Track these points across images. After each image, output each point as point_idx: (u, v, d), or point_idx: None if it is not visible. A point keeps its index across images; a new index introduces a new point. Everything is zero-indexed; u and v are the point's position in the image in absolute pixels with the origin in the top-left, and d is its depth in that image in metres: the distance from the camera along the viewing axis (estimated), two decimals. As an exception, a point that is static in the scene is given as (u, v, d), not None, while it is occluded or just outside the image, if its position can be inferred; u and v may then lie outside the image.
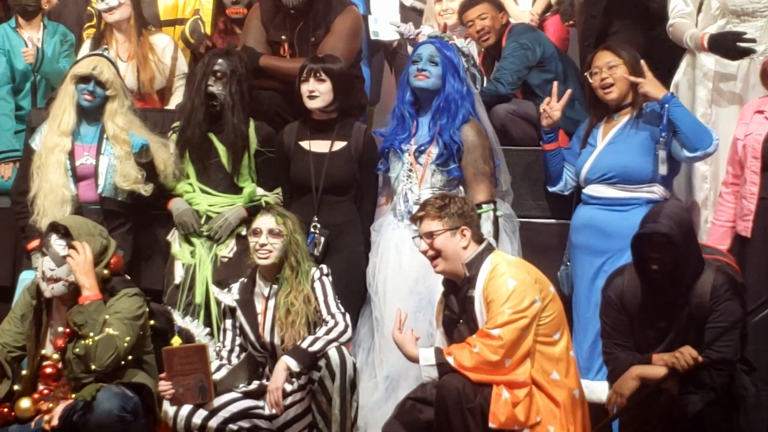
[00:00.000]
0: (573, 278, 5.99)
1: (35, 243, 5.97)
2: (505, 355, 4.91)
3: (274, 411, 5.32)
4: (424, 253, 5.18)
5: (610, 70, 5.85)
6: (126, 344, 5.13)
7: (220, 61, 6.18)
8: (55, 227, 5.31)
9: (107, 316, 5.14)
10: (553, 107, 6.06)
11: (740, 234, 5.65)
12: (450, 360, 4.95)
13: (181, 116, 6.29)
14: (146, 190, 6.12)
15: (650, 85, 5.75)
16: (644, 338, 5.09)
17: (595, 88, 5.92)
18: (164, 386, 5.24)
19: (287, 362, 5.28)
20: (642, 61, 5.82)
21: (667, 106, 5.68)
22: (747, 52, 5.94)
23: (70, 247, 5.26)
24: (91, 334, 5.09)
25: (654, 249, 4.96)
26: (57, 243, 5.27)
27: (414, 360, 5.08)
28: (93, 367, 5.09)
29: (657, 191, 5.79)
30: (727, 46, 5.96)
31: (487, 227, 5.77)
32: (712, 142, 5.67)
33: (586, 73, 5.96)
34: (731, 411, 4.93)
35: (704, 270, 5.01)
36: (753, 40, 5.93)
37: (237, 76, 6.17)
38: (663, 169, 5.76)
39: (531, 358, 4.98)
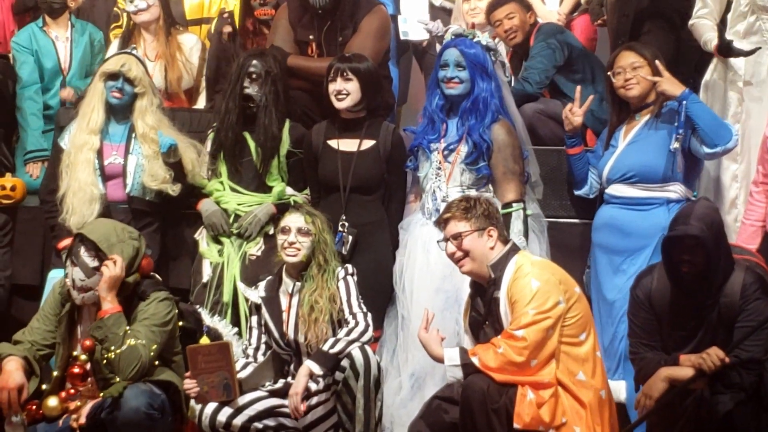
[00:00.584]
0: (593, 277, 5.99)
1: (66, 242, 5.98)
2: (530, 356, 4.93)
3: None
4: (452, 255, 5.20)
5: (634, 70, 5.87)
6: (152, 352, 5.18)
7: (254, 62, 6.23)
8: (83, 239, 5.32)
9: (135, 327, 5.17)
10: (574, 112, 6.09)
11: (770, 233, 5.63)
12: (475, 360, 4.97)
13: (218, 117, 6.32)
14: (174, 189, 6.16)
15: (667, 83, 5.76)
16: (672, 338, 5.10)
17: (618, 87, 5.92)
18: (189, 384, 5.27)
19: (310, 367, 5.30)
20: (657, 61, 5.80)
21: (684, 102, 5.69)
22: (754, 51, 5.96)
23: (100, 259, 5.27)
24: (113, 347, 5.12)
25: (685, 251, 4.98)
26: (86, 255, 5.30)
27: (439, 360, 5.11)
28: (118, 381, 5.12)
29: (677, 190, 5.81)
30: (734, 53, 6.00)
31: (517, 226, 5.81)
32: (731, 138, 5.69)
33: (609, 73, 5.97)
34: (761, 411, 4.91)
35: (734, 270, 5.01)
36: (755, 50, 5.95)
37: (272, 77, 6.22)
38: (680, 165, 5.76)
39: (556, 358, 4.99)
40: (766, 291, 5.00)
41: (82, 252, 5.30)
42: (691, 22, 6.27)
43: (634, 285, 5.25)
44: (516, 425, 4.86)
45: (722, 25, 6.03)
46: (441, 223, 5.26)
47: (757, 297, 4.95)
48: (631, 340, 5.22)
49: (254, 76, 6.22)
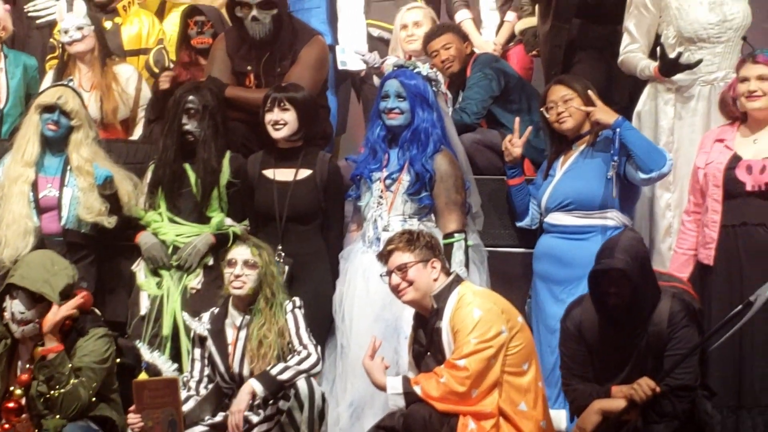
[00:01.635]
0: (534, 306, 6.07)
1: None
2: (471, 386, 4.97)
3: None
4: (396, 287, 5.25)
5: (565, 103, 5.97)
6: (91, 391, 5.23)
7: (191, 98, 6.24)
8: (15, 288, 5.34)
9: (72, 365, 5.18)
10: (514, 143, 6.20)
11: (702, 262, 5.73)
12: (417, 389, 5.02)
13: (156, 152, 6.34)
14: (110, 222, 6.15)
15: (601, 112, 5.90)
16: (603, 369, 5.16)
17: (552, 122, 6.03)
18: (133, 419, 5.24)
19: (253, 386, 5.34)
20: (590, 91, 5.92)
21: (618, 130, 5.80)
22: (699, 62, 6.08)
23: (34, 300, 5.27)
24: (57, 386, 5.11)
25: (611, 284, 5.04)
26: (22, 295, 5.30)
27: (382, 388, 5.16)
28: (57, 416, 5.10)
29: (615, 217, 5.90)
30: (678, 68, 6.09)
31: (458, 256, 5.86)
32: (666, 162, 5.81)
33: (542, 109, 6.07)
34: (696, 438, 5.00)
35: (661, 298, 5.09)
36: (698, 62, 6.08)
37: (210, 111, 6.25)
38: (615, 192, 5.84)
39: (499, 388, 5.04)
40: (694, 318, 5.09)
41: (18, 293, 5.31)
42: (620, 58, 6.40)
43: (564, 317, 5.33)
44: None
45: (662, 47, 6.13)
46: (384, 255, 5.31)
47: (685, 324, 5.04)
48: (563, 371, 5.29)
49: (192, 111, 6.24)
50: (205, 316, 5.72)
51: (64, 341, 5.29)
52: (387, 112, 6.03)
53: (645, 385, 4.93)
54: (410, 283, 5.20)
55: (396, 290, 5.25)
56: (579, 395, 5.15)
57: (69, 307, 5.34)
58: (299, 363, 5.42)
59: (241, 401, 5.33)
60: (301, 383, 5.34)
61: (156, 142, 6.44)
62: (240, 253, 5.61)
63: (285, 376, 5.36)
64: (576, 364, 5.21)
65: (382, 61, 7.13)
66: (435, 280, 5.22)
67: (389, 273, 5.27)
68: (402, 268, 5.21)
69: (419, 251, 5.23)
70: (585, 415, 5.05)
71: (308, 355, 5.46)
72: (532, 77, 7.68)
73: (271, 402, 5.39)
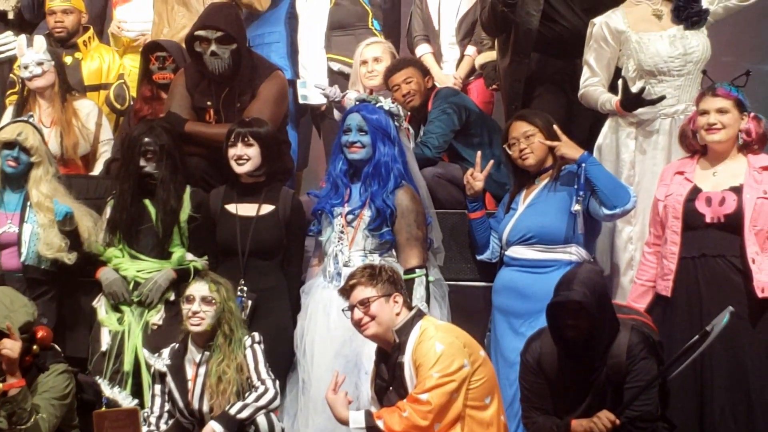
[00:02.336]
0: (493, 340, 6.10)
1: None
2: (434, 420, 5.01)
3: None
4: (358, 321, 5.28)
5: (527, 139, 6.02)
6: (51, 427, 5.24)
7: (147, 139, 6.25)
8: None
9: (33, 401, 5.20)
10: (476, 177, 6.24)
11: (661, 294, 5.77)
12: (380, 424, 5.06)
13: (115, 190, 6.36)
14: (70, 258, 6.18)
15: (566, 147, 5.96)
16: (563, 401, 5.18)
17: (515, 158, 6.08)
18: None
19: (213, 427, 5.36)
20: (555, 126, 5.99)
21: (584, 165, 5.85)
22: (661, 99, 6.15)
23: None
24: (19, 423, 5.16)
25: (568, 316, 5.08)
26: None
27: (344, 422, 5.19)
28: None
29: (575, 252, 5.94)
30: (640, 103, 6.14)
31: (419, 291, 5.89)
32: (630, 199, 5.88)
33: (504, 146, 6.13)
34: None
35: (620, 330, 5.13)
36: (661, 98, 6.15)
37: (167, 151, 6.26)
38: (580, 227, 5.92)
39: (461, 422, 5.07)
40: (652, 350, 5.13)
41: None
42: (580, 92, 6.46)
43: (523, 349, 5.36)
44: None
45: (624, 81, 6.18)
46: (346, 290, 5.34)
47: (643, 357, 5.07)
48: (523, 404, 5.32)
49: (149, 154, 6.26)
50: (165, 352, 5.74)
51: (25, 377, 5.29)
52: (348, 146, 6.07)
53: (605, 418, 4.97)
54: (372, 318, 5.23)
55: (358, 325, 5.28)
56: (539, 428, 5.18)
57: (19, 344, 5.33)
58: (257, 399, 5.46)
59: None
60: (261, 420, 5.39)
61: (115, 179, 6.45)
62: (198, 289, 5.64)
63: (244, 415, 5.40)
64: (536, 397, 5.23)
65: (343, 95, 7.18)
66: (397, 314, 5.26)
67: (351, 307, 5.30)
68: (364, 303, 5.25)
69: (381, 286, 5.26)
70: (545, 449, 5.09)
71: (266, 391, 5.50)
72: (492, 111, 7.76)
73: None
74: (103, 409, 5.72)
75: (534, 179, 6.12)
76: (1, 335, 5.33)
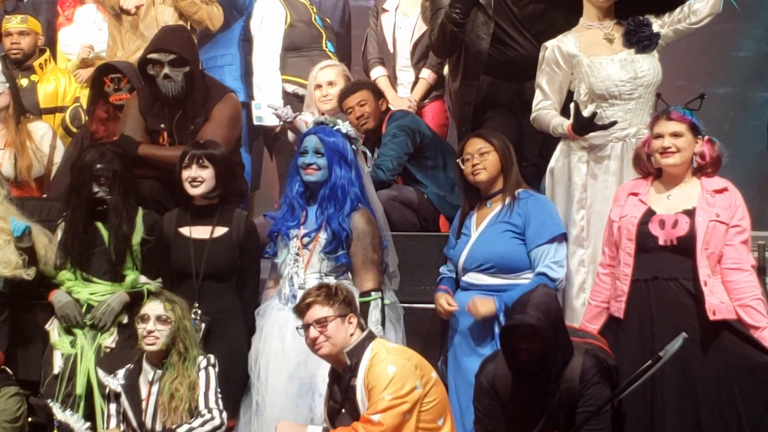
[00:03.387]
0: (451, 361, 6.12)
1: None
2: None
3: None
4: (314, 340, 5.30)
5: (481, 156, 6.08)
6: None
7: (99, 166, 6.26)
8: None
9: None
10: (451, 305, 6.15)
11: (614, 315, 5.80)
12: None
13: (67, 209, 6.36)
14: (29, 274, 6.19)
15: (480, 305, 5.97)
16: (516, 424, 5.22)
17: (467, 174, 6.13)
18: None
19: None
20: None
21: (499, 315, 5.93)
22: (612, 123, 6.21)
23: None
24: None
25: (522, 339, 5.13)
26: None
27: None
28: None
29: (530, 277, 5.99)
30: (591, 128, 6.19)
31: (375, 315, 5.90)
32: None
33: (458, 160, 6.18)
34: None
35: (573, 354, 5.18)
36: (612, 123, 6.20)
37: (119, 176, 6.28)
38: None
39: (415, 444, 5.12)
40: (606, 374, 5.19)
41: None
42: (532, 115, 6.50)
43: (478, 372, 5.40)
44: None
45: (576, 106, 6.24)
46: (302, 309, 5.36)
47: (596, 381, 5.13)
48: (476, 426, 5.36)
49: (102, 180, 6.27)
50: (120, 372, 5.75)
51: (-24, 400, 5.32)
52: (305, 168, 6.09)
53: (556, 441, 5.04)
54: (328, 338, 5.26)
55: (313, 344, 5.31)
56: None
57: None
58: (203, 425, 5.48)
59: None
60: None
61: (66, 204, 6.45)
62: (153, 308, 5.68)
63: None
64: (489, 420, 5.28)
65: (295, 115, 7.20)
66: (351, 335, 5.29)
67: (306, 326, 5.33)
68: (321, 322, 5.27)
69: (338, 306, 5.29)
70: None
71: (212, 419, 5.53)
72: (447, 134, 7.84)
73: None
74: (55, 432, 5.75)
75: (485, 201, 6.18)
76: None
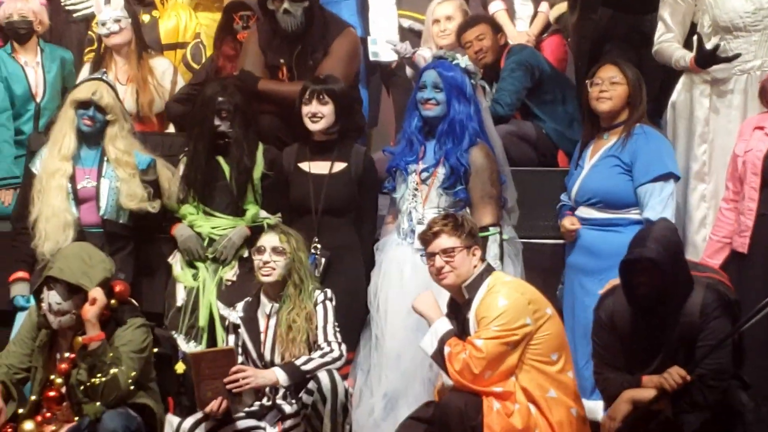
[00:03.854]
0: (566, 297, 6.14)
1: (19, 275, 6.25)
2: (485, 369, 5.09)
3: (270, 428, 5.51)
4: (439, 270, 5.33)
5: (611, 85, 6.02)
6: (130, 380, 5.34)
7: (220, 99, 6.36)
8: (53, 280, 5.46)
9: (112, 354, 5.32)
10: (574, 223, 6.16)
11: (737, 250, 5.78)
12: (446, 351, 5.14)
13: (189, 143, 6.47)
14: (154, 207, 6.29)
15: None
16: (635, 358, 5.22)
17: (591, 98, 6.09)
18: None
19: (276, 374, 5.47)
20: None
21: None
22: (736, 56, 6.12)
23: (70, 291, 5.42)
24: (99, 375, 5.26)
25: (641, 274, 5.10)
26: (56, 292, 5.45)
27: (429, 320, 5.27)
28: (98, 404, 5.25)
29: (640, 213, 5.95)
30: (715, 61, 6.13)
31: (493, 250, 5.90)
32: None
33: (587, 81, 6.12)
34: (730, 428, 5.08)
35: (694, 288, 5.14)
36: (736, 56, 6.12)
37: (240, 110, 6.36)
38: None
39: (527, 374, 5.14)
40: (727, 309, 5.12)
41: (55, 284, 5.45)
42: (654, 48, 6.44)
43: (596, 306, 5.39)
44: None
45: (699, 38, 6.17)
46: (428, 237, 5.38)
47: (717, 315, 5.07)
48: (595, 360, 5.35)
49: (224, 114, 6.35)
50: (239, 305, 5.83)
51: (103, 331, 5.43)
52: (423, 103, 6.11)
53: (675, 374, 4.99)
54: (453, 268, 5.29)
55: (438, 273, 5.33)
56: (610, 384, 5.22)
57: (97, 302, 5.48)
58: (322, 356, 5.52)
59: (259, 378, 5.45)
60: (324, 378, 5.42)
61: (188, 138, 6.57)
62: (268, 240, 5.73)
63: (308, 367, 5.46)
64: (607, 354, 5.27)
65: (414, 51, 7.19)
66: (474, 267, 5.32)
67: (431, 255, 5.36)
68: (448, 252, 5.29)
69: (465, 237, 5.31)
70: (615, 404, 5.11)
71: (331, 351, 5.56)
72: (566, 68, 7.74)
73: (295, 399, 5.52)
74: (180, 364, 5.86)
75: (604, 132, 6.14)
76: (79, 290, 5.48)
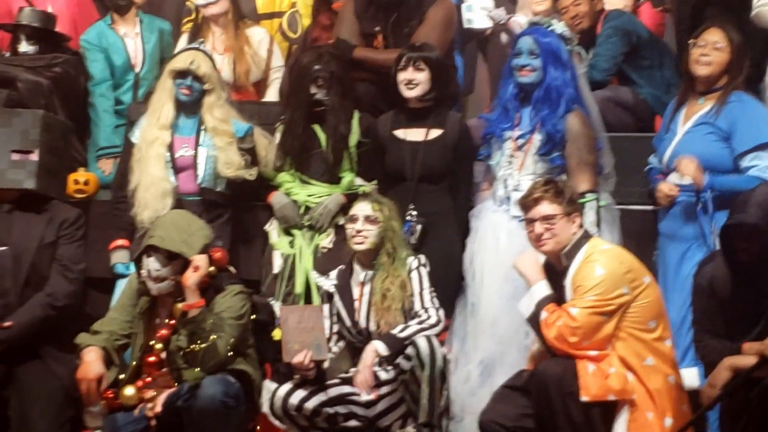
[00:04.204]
0: (659, 265, 6.08)
1: (118, 243, 6.35)
2: (582, 337, 5.08)
3: (365, 395, 5.53)
4: (538, 237, 5.31)
5: (714, 50, 5.96)
6: (229, 347, 5.39)
7: (317, 67, 6.39)
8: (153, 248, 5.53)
9: (212, 321, 5.38)
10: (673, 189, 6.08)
11: None
12: (542, 316, 5.14)
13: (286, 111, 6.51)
14: (251, 174, 6.35)
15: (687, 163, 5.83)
16: (735, 325, 5.16)
17: (692, 61, 6.01)
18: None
19: (376, 346, 5.51)
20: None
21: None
22: None
23: (169, 258, 5.48)
24: (199, 341, 5.33)
25: (742, 239, 5.05)
26: (155, 259, 5.51)
27: (529, 282, 5.27)
28: (197, 370, 5.33)
29: None
30: None
31: (590, 216, 5.89)
32: None
33: (690, 41, 6.04)
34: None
35: None
36: None
37: (337, 77, 6.39)
38: None
39: (624, 342, 5.12)
40: None
41: (154, 251, 5.52)
42: (753, 12, 6.36)
43: (696, 272, 5.35)
44: (583, 398, 5.00)
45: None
46: (529, 203, 5.36)
47: None
48: (695, 327, 5.31)
49: (320, 81, 6.39)
50: (333, 273, 5.88)
51: (202, 298, 5.49)
52: (519, 69, 6.10)
53: (777, 341, 4.96)
54: (553, 235, 5.27)
55: (537, 240, 5.31)
56: (710, 351, 5.17)
57: (201, 269, 5.53)
58: (420, 323, 5.55)
59: (366, 359, 5.52)
60: (423, 343, 5.44)
61: (285, 106, 6.61)
62: (361, 208, 5.76)
63: (405, 334, 5.50)
64: (708, 320, 5.22)
65: (509, 17, 7.19)
66: (573, 234, 5.30)
67: (531, 221, 5.34)
68: (548, 219, 5.27)
69: (566, 204, 5.30)
70: (716, 371, 5.05)
71: (429, 317, 5.58)
72: (664, 33, 7.69)
73: (393, 365, 5.53)
74: (277, 331, 5.89)
75: (699, 97, 6.06)
76: (177, 257, 5.54)
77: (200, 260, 5.51)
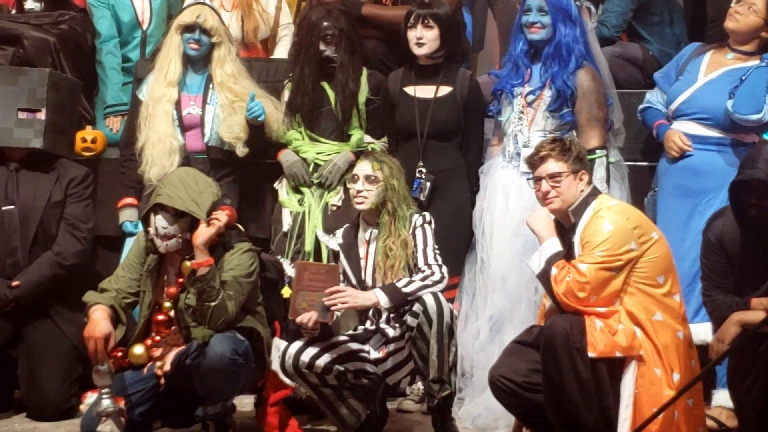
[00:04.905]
0: (663, 221, 5.99)
1: (126, 201, 6.37)
2: (591, 293, 5.05)
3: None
4: (545, 194, 5.29)
5: (750, 10, 5.94)
6: (238, 304, 5.38)
7: (326, 24, 6.36)
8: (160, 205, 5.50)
9: (221, 279, 5.36)
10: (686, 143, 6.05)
11: None
12: (552, 272, 5.11)
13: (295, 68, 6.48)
14: (242, 151, 6.34)
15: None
16: (744, 280, 5.15)
17: (728, 12, 6.00)
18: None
19: (377, 295, 5.46)
20: None
21: None
22: None
23: (176, 216, 5.45)
24: (207, 299, 5.31)
25: (752, 195, 5.04)
26: (162, 217, 5.47)
27: (540, 238, 5.25)
28: (206, 327, 5.33)
29: (753, 136, 5.88)
30: None
31: (600, 173, 5.92)
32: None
33: None
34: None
35: None
36: None
37: (345, 34, 6.36)
38: None
39: (633, 297, 5.10)
40: None
41: (161, 209, 5.50)
42: None
43: (705, 227, 5.34)
44: (590, 354, 4.99)
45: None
46: (535, 161, 5.33)
47: None
48: (703, 282, 5.31)
49: (329, 37, 6.36)
50: (339, 231, 5.84)
51: (211, 256, 5.48)
52: (528, 26, 6.10)
53: (786, 297, 4.96)
54: (560, 194, 5.26)
55: (544, 198, 5.29)
56: (718, 306, 5.17)
57: (220, 224, 5.51)
58: (423, 279, 5.50)
59: (359, 296, 5.48)
60: (430, 300, 5.40)
61: (294, 63, 6.58)
62: (362, 168, 5.70)
63: (409, 289, 5.44)
64: (717, 276, 5.22)
65: (518, -27, 7.17)
66: (581, 192, 5.28)
67: (538, 179, 5.32)
68: (554, 177, 5.25)
69: (572, 161, 5.26)
70: (724, 326, 5.05)
71: (432, 274, 5.52)
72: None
73: (400, 322, 5.52)
74: (286, 289, 5.89)
75: (729, 52, 6.05)
76: (184, 214, 5.52)
77: (221, 215, 5.49)
